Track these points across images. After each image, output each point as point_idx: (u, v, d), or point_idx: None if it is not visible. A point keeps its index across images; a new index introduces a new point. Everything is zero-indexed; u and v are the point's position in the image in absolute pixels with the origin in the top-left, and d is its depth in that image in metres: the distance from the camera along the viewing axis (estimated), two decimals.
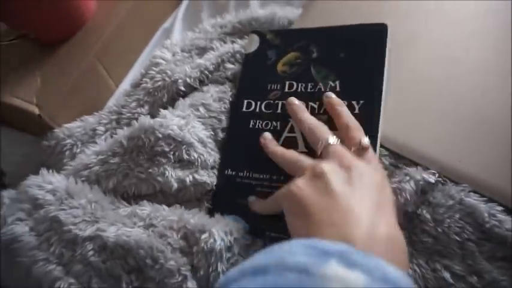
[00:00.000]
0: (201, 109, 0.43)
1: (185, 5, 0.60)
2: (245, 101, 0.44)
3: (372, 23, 0.43)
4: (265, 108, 0.43)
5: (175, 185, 0.38)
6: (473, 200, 0.36)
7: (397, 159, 0.40)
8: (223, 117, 0.44)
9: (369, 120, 0.39)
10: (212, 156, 0.41)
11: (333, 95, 0.40)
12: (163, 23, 0.59)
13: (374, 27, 0.43)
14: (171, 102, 0.47)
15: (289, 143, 0.40)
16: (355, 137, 0.35)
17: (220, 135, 0.43)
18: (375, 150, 0.37)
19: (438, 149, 0.39)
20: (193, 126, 0.41)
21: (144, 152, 0.40)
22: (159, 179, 0.38)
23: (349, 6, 0.50)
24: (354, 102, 0.40)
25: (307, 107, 0.41)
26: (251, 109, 0.44)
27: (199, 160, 0.40)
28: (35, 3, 0.44)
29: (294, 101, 0.40)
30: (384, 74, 0.41)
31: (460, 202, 0.36)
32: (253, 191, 0.40)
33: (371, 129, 0.38)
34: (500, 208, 0.35)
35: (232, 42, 0.50)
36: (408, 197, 0.36)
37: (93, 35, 0.50)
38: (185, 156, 0.39)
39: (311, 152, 0.38)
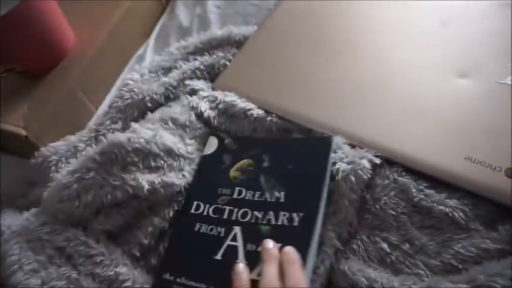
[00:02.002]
0: (170, 123, 0.48)
1: (156, 33, 0.67)
2: (195, 203, 0.45)
3: (318, 135, 0.45)
4: (212, 212, 0.43)
5: (146, 186, 0.42)
6: (404, 178, 0.41)
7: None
8: (188, 130, 0.48)
9: (305, 233, 0.39)
10: (178, 161, 0.45)
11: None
12: (137, 51, 0.66)
13: (320, 140, 0.45)
14: (142, 117, 0.52)
15: (230, 252, 0.40)
16: None
17: (188, 141, 0.48)
18: (305, 263, 0.37)
19: (378, 135, 0.44)
20: (161, 136, 0.45)
21: (116, 163, 0.43)
22: (132, 183, 0.42)
23: (299, 25, 0.56)
24: (294, 215, 0.40)
25: (252, 215, 0.42)
26: (199, 211, 0.44)
27: (165, 165, 0.44)
28: (21, 41, 0.51)
29: (269, 244, 0.38)
30: (324, 187, 0.41)
31: (394, 181, 0.41)
32: None
33: (306, 242, 0.38)
34: (426, 184, 0.40)
35: (194, 59, 0.57)
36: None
37: (73, 65, 0.57)
38: (152, 164, 0.44)
39: (249, 264, 0.38)
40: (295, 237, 0.39)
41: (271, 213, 0.41)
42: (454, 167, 0.40)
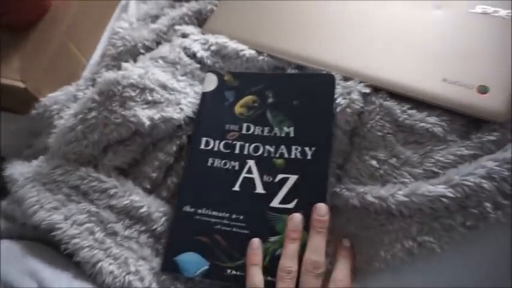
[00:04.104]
0: (160, 61, 0.50)
1: None
2: (203, 139, 0.46)
3: (321, 73, 0.47)
4: (223, 147, 0.46)
5: (147, 122, 0.44)
6: (389, 102, 0.45)
7: None
8: (178, 66, 0.50)
9: (320, 166, 0.43)
10: (173, 95, 0.47)
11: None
12: (120, 0, 0.65)
13: (323, 78, 0.46)
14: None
15: (248, 183, 0.43)
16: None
17: (180, 78, 0.50)
18: (325, 194, 0.42)
19: (365, 65, 0.47)
20: (153, 73, 0.47)
21: (115, 100, 0.45)
22: (133, 119, 0.44)
23: None
24: (306, 149, 0.43)
25: (264, 150, 0.45)
26: (209, 147, 0.46)
27: (162, 99, 0.46)
28: None
29: (296, 218, 0.40)
30: (333, 122, 0.44)
31: (380, 106, 0.45)
32: (212, 228, 0.42)
33: (323, 175, 0.42)
34: (409, 105, 0.44)
35: (181, 6, 0.58)
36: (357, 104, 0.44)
37: (59, 16, 0.56)
38: (150, 98, 0.46)
39: (268, 194, 0.42)
40: (311, 170, 0.42)
41: (283, 147, 0.44)
42: (433, 88, 0.44)
